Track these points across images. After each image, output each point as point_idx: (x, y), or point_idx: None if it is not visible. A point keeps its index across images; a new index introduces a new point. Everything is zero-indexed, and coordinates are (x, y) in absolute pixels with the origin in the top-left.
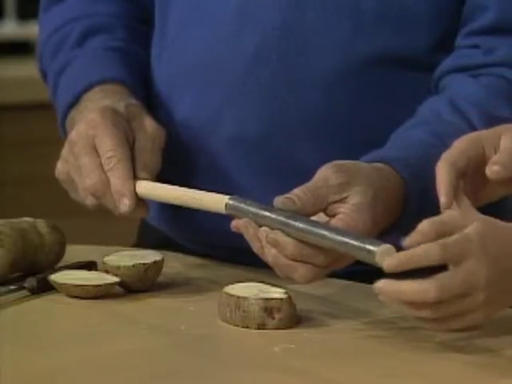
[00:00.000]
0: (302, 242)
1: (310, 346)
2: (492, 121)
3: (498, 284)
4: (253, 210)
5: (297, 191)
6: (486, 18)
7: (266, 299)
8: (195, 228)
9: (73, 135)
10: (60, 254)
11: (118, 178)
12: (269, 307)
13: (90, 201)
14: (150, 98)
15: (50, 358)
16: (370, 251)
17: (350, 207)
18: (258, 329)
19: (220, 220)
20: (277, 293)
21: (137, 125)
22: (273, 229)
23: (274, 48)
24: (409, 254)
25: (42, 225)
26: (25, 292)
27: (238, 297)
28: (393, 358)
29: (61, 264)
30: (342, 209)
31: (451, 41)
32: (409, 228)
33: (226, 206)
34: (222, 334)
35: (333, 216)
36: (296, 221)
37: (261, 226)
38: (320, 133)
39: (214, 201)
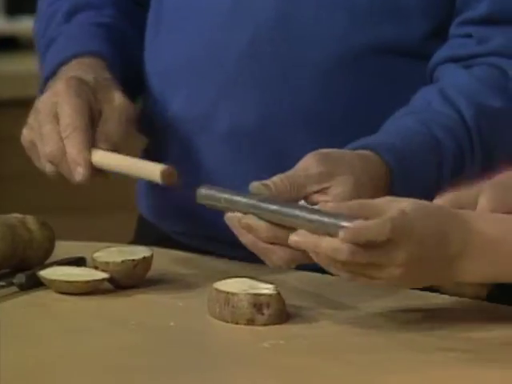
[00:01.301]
0: (275, 224)
1: (300, 342)
2: (482, 110)
3: (417, 263)
4: (225, 195)
5: (274, 178)
6: (480, 7)
7: (256, 295)
8: (191, 221)
9: (38, 103)
10: (49, 250)
11: (73, 147)
12: (258, 303)
13: (48, 168)
14: (144, 91)
15: (39, 354)
16: (343, 227)
17: (332, 198)
18: (248, 324)
19: (216, 213)
20: (266, 289)
21: (103, 96)
22: (246, 213)
23: (267, 39)
24: (362, 227)
25: (31, 221)
26: (14, 288)
27: (228, 292)
28: (382, 352)
29: (50, 260)
30: (324, 201)
31: (447, 29)
32: None
33: (197, 194)
34: (212, 329)
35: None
36: (268, 203)
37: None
38: (316, 124)
39: (150, 169)
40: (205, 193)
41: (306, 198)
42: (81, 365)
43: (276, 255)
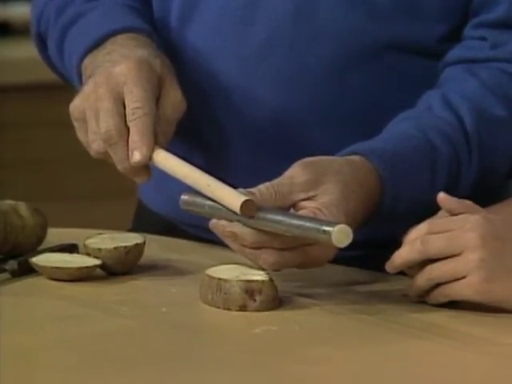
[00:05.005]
0: (259, 229)
1: (292, 328)
2: (483, 117)
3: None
4: (209, 202)
5: (260, 186)
6: (498, 11)
7: (248, 281)
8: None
9: (102, 76)
10: (41, 236)
11: (138, 131)
12: (250, 289)
13: (97, 146)
14: None
15: (31, 340)
16: (325, 231)
17: (319, 205)
18: (240, 311)
19: None
20: (258, 275)
21: (165, 87)
22: (230, 220)
23: (286, 34)
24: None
25: (23, 207)
26: (6, 275)
27: (220, 279)
28: (373, 337)
29: (42, 247)
30: (312, 208)
31: (463, 31)
32: (388, 218)
33: (181, 201)
34: (204, 315)
35: None
36: None
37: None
38: (332, 118)
39: (230, 197)
40: (189, 200)
41: (293, 206)
42: (73, 351)
43: (262, 259)
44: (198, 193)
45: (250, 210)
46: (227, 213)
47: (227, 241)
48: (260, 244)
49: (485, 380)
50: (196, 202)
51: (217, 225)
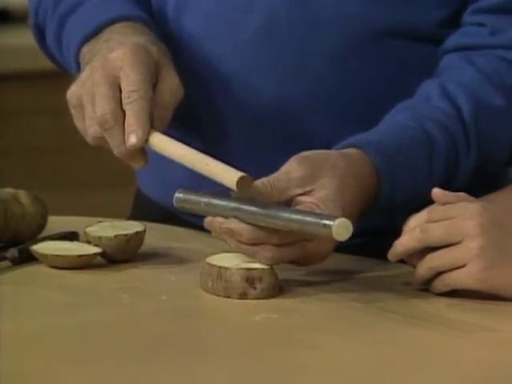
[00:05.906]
0: (256, 226)
1: (292, 316)
2: (481, 106)
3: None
4: (205, 199)
5: (257, 181)
6: None
7: (248, 269)
8: None
9: (98, 62)
10: (42, 224)
11: (133, 114)
12: (250, 277)
13: (93, 131)
14: None
15: (32, 328)
16: (325, 225)
17: (316, 200)
18: (240, 299)
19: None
20: (259, 263)
21: (162, 73)
22: (226, 216)
23: (284, 21)
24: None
25: (23, 195)
26: (6, 262)
27: (220, 267)
28: (373, 325)
29: (43, 235)
30: (308, 203)
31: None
32: (386, 210)
33: (175, 199)
34: (204, 303)
35: None
36: (248, 205)
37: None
38: (332, 106)
39: (226, 173)
40: (183, 197)
41: (289, 202)
42: (73, 338)
43: (259, 255)
44: (192, 191)
45: (246, 186)
46: (223, 210)
47: (224, 237)
48: (257, 240)
49: (483, 367)
50: (191, 199)
51: (212, 222)
